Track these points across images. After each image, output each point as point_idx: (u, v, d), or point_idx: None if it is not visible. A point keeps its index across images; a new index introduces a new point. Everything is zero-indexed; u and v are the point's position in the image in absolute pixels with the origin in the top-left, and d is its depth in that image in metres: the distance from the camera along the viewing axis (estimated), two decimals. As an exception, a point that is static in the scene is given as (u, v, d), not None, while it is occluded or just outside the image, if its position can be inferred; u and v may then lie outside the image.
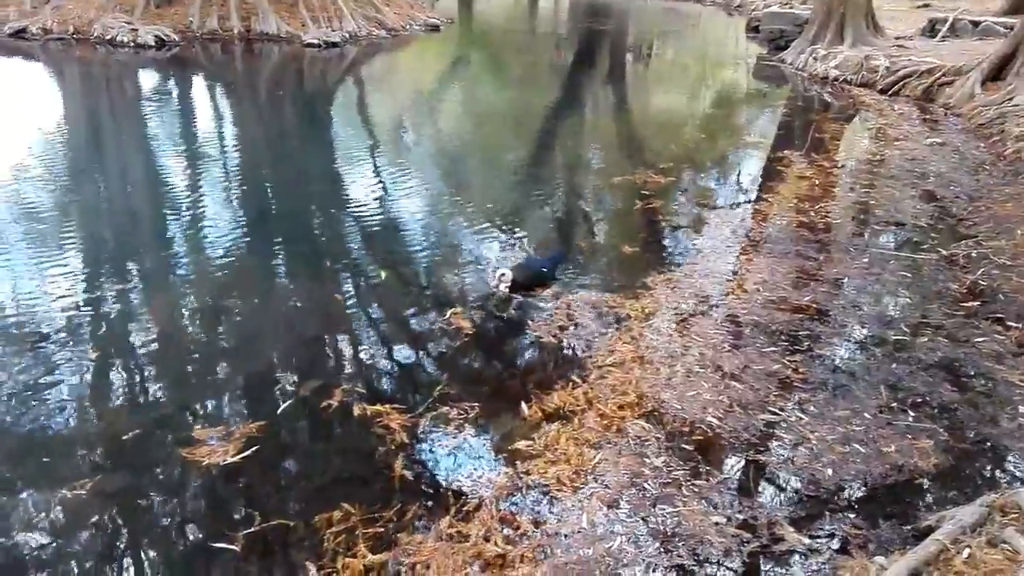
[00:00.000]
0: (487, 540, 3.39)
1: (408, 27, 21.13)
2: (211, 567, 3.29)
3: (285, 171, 9.26)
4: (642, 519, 3.55)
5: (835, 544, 3.46)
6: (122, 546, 3.38)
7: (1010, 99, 11.54)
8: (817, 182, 8.96)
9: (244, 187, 8.53)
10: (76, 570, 3.24)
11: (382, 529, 3.45)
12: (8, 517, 3.47)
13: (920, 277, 6.39)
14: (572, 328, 5.33)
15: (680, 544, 3.40)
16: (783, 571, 3.32)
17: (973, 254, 6.79)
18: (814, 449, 4.08)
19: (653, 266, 6.45)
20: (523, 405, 4.40)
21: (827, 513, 3.66)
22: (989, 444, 4.24)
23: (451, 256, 6.61)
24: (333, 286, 5.99)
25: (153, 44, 16.55)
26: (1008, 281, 6.23)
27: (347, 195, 8.31)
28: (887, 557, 3.30)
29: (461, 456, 4.00)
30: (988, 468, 4.12)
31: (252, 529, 3.43)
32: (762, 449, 4.09)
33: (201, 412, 4.29)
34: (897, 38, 17.65)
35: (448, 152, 10.76)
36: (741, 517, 3.58)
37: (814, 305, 5.74)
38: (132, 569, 3.28)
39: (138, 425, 4.10)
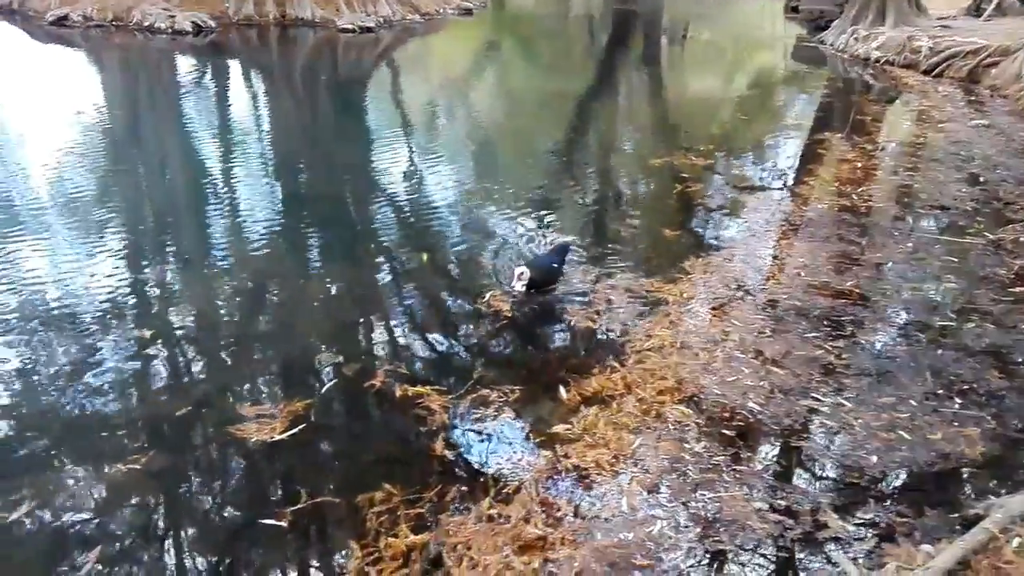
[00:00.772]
0: (527, 522, 3.40)
1: (441, 11, 21.10)
2: (259, 542, 3.34)
3: (323, 156, 9.33)
4: (683, 504, 3.53)
5: (880, 532, 3.41)
6: (174, 519, 3.46)
7: (1060, 80, 11.21)
8: (859, 165, 8.80)
9: (283, 171, 8.60)
10: (129, 541, 3.31)
11: (423, 510, 3.48)
12: (67, 490, 3.55)
13: (966, 262, 6.26)
14: (610, 312, 5.30)
15: (721, 529, 3.38)
16: (827, 558, 3.28)
17: (1021, 238, 6.62)
18: (858, 436, 4.03)
19: (691, 250, 6.39)
20: (561, 389, 4.40)
21: (871, 500, 3.62)
22: (1038, 432, 4.15)
23: (489, 239, 6.61)
24: (372, 269, 6.04)
25: (190, 30, 16.72)
26: (1058, 266, 6.07)
27: (385, 179, 8.35)
28: (934, 545, 3.25)
29: (500, 438, 4.01)
30: (1037, 457, 4.04)
31: (298, 506, 3.48)
32: (805, 435, 4.05)
33: (248, 392, 4.36)
34: (941, 18, 17.24)
35: (485, 136, 10.75)
36: (783, 503, 3.54)
37: (857, 290, 5.65)
38: (184, 541, 3.34)
39: (188, 403, 4.18)
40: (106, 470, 3.69)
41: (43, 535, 3.31)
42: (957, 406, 4.31)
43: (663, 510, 3.50)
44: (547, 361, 4.79)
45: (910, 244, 6.54)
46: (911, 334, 5.14)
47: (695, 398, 4.31)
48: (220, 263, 6.03)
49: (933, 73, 14.10)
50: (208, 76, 13.88)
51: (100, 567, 3.15)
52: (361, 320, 5.25)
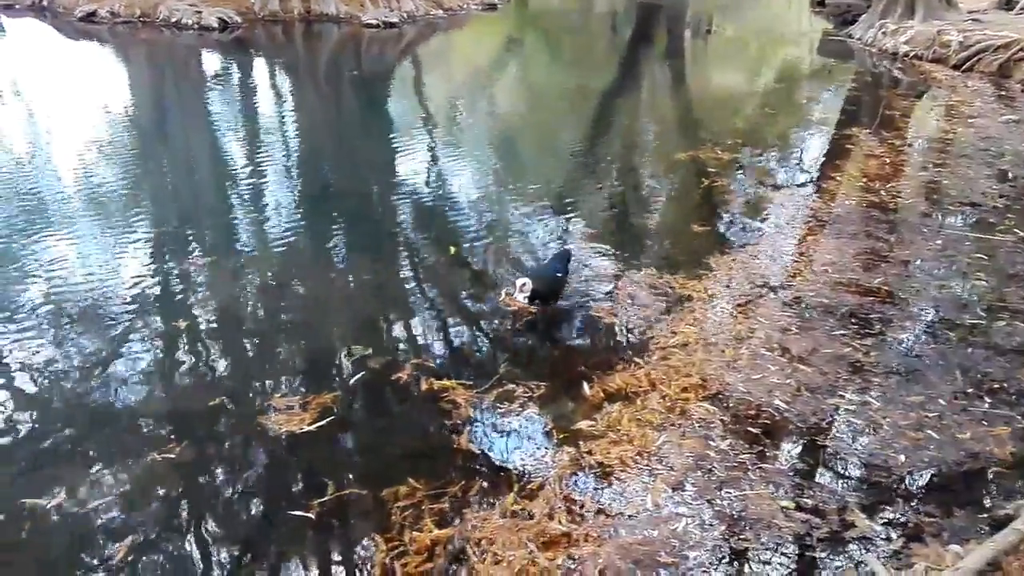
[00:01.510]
0: (551, 518, 3.41)
1: (465, 6, 21.10)
2: (286, 533, 3.38)
3: (348, 151, 9.37)
4: (708, 502, 3.52)
5: (908, 532, 3.38)
6: (203, 510, 3.50)
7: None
8: (887, 161, 8.69)
9: (309, 166, 8.66)
10: (158, 532, 3.36)
11: (446, 504, 3.50)
12: (97, 481, 3.60)
13: (995, 259, 6.16)
14: (633, 308, 5.29)
15: (747, 528, 3.36)
16: (854, 557, 3.26)
17: (1053, 236, 6.51)
18: (886, 435, 3.99)
19: (717, 246, 6.35)
20: (585, 385, 4.40)
21: (900, 500, 3.58)
22: (1071, 433, 4.08)
23: (515, 234, 6.61)
24: (398, 264, 6.06)
25: (216, 26, 16.86)
26: (1092, 264, 5.96)
27: (409, 174, 8.37)
28: (963, 546, 3.22)
29: (524, 434, 4.02)
30: (1070, 458, 3.97)
31: (325, 498, 3.51)
32: (831, 434, 4.01)
33: (276, 384, 4.40)
34: (971, 11, 16.94)
35: (508, 131, 10.74)
36: (810, 502, 3.52)
37: (885, 287, 5.59)
38: (212, 531, 3.38)
39: (217, 395, 4.23)
40: (136, 461, 3.73)
41: (74, 525, 3.36)
42: (987, 405, 4.25)
43: (688, 508, 3.49)
44: (571, 357, 4.79)
45: (939, 241, 6.45)
46: (940, 332, 5.08)
47: (720, 395, 4.29)
48: (247, 257, 6.08)
49: (963, 68, 13.88)
50: (234, 72, 14.00)
51: (130, 557, 3.20)
52: (387, 314, 5.28)
